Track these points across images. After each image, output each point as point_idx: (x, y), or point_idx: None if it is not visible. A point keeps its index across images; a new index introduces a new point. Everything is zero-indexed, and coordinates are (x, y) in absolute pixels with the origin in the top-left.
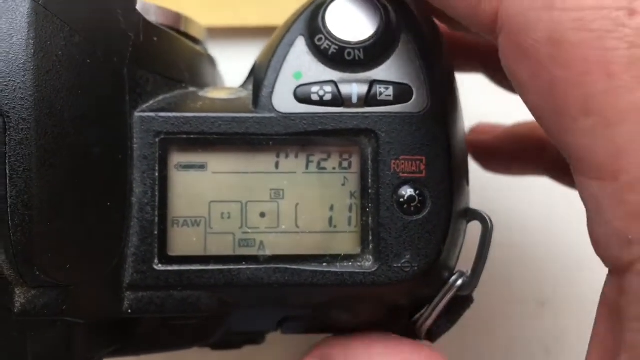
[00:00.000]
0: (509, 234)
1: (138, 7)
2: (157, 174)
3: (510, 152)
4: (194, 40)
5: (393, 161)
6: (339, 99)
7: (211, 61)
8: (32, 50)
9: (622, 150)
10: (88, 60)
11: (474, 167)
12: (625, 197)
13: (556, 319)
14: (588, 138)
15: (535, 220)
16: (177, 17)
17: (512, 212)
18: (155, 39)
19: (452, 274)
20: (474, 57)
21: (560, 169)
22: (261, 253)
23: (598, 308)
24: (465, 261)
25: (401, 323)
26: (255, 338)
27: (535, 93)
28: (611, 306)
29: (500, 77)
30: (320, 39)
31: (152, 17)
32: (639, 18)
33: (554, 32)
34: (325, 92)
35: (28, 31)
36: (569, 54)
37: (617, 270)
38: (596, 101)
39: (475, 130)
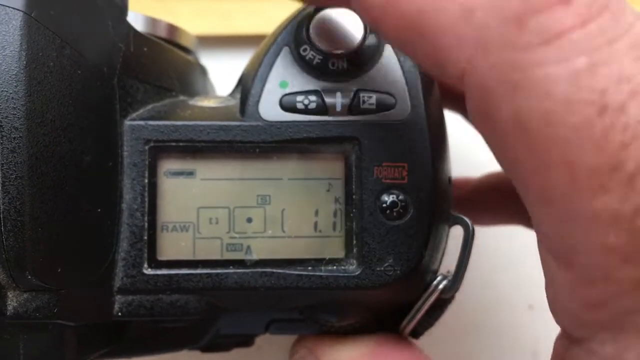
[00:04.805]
0: (497, 238)
1: (128, 18)
2: (146, 181)
3: (485, 204)
4: (185, 49)
5: (376, 168)
6: (323, 108)
7: (202, 70)
8: (25, 62)
9: (576, 250)
10: (79, 71)
11: (462, 170)
12: (577, 289)
13: (545, 322)
14: (546, 224)
15: None
16: (168, 27)
17: None
18: (146, 49)
19: (435, 277)
20: (453, 99)
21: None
22: (248, 257)
23: (551, 357)
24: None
25: (386, 323)
26: (244, 340)
27: (500, 159)
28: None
29: None
30: (305, 50)
31: (142, 28)
32: (610, 116)
33: (519, 115)
34: (310, 101)
35: (20, 43)
36: (533, 142)
37: (568, 337)
38: (557, 197)
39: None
